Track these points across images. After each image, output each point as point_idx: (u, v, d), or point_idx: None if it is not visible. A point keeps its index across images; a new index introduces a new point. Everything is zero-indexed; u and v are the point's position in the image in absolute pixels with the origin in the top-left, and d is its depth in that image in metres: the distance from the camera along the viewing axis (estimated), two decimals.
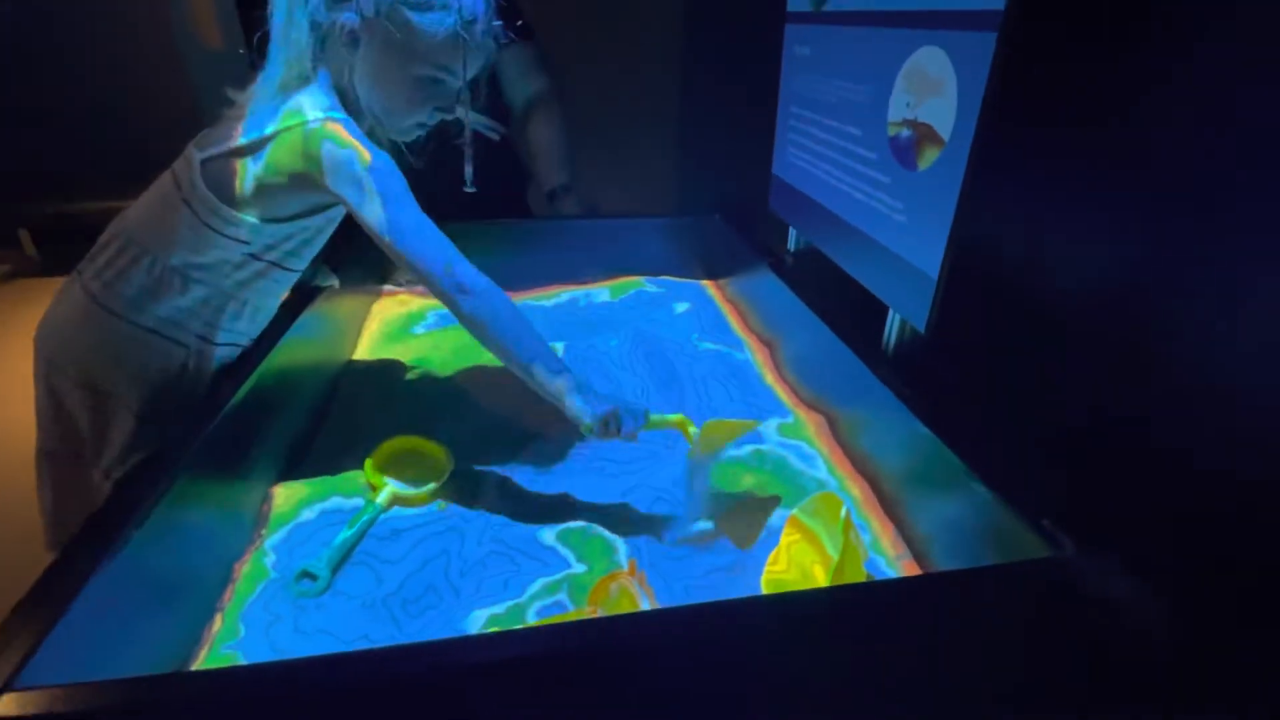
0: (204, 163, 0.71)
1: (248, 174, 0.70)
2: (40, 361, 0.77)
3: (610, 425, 0.67)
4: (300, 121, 0.68)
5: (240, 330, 0.81)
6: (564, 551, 0.71)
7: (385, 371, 1.06)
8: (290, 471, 0.81)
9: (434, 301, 1.31)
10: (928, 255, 0.68)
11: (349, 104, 0.73)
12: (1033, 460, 0.66)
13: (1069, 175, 0.70)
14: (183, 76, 2.68)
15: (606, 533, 0.72)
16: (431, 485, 0.78)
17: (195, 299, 0.75)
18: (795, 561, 0.65)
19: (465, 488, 0.80)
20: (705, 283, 1.41)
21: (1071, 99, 0.68)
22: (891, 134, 0.73)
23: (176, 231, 0.72)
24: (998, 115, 0.60)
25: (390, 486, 0.77)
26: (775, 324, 1.12)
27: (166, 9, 2.52)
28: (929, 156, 0.67)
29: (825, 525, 0.65)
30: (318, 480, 0.80)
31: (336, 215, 0.80)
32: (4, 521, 1.57)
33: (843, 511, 0.61)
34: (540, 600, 0.64)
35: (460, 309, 0.70)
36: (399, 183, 0.70)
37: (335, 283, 1.03)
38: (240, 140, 0.70)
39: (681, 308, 1.29)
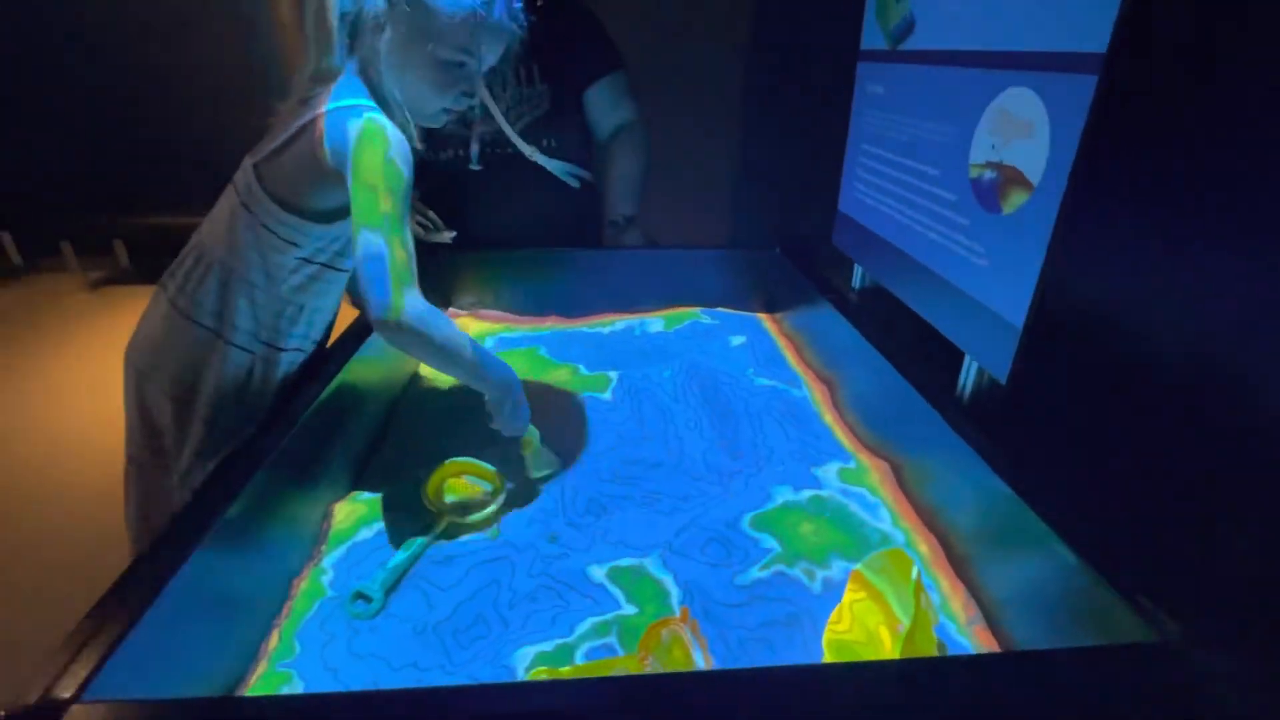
0: (255, 167, 0.74)
1: (289, 170, 0.73)
2: (130, 373, 0.81)
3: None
4: (324, 110, 0.69)
5: (300, 335, 0.84)
6: (614, 590, 0.69)
7: (445, 393, 1.07)
8: (351, 489, 0.83)
9: (496, 325, 1.34)
10: (1012, 302, 0.64)
11: (377, 94, 0.73)
12: (1124, 525, 0.61)
13: (1166, 221, 0.66)
14: (267, 94, 2.86)
15: (658, 573, 0.70)
16: (486, 510, 0.78)
17: (259, 306, 0.79)
18: (859, 621, 0.62)
19: (517, 515, 0.80)
20: (761, 316, 1.39)
21: (1171, 142, 0.64)
22: (973, 175, 0.70)
23: (240, 239, 0.75)
24: (1093, 161, 0.57)
25: (445, 510, 0.78)
26: (836, 361, 1.09)
27: (257, 39, 2.70)
28: (1015, 200, 0.64)
29: (893, 584, 0.61)
30: (376, 499, 0.81)
31: None
32: (92, 522, 1.67)
33: (914, 573, 0.58)
34: (589, 641, 0.63)
35: (388, 338, 0.69)
36: (400, 181, 0.68)
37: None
38: (281, 139, 0.72)
39: (737, 340, 1.27)
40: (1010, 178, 0.64)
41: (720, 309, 1.41)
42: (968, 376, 0.81)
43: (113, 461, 0.90)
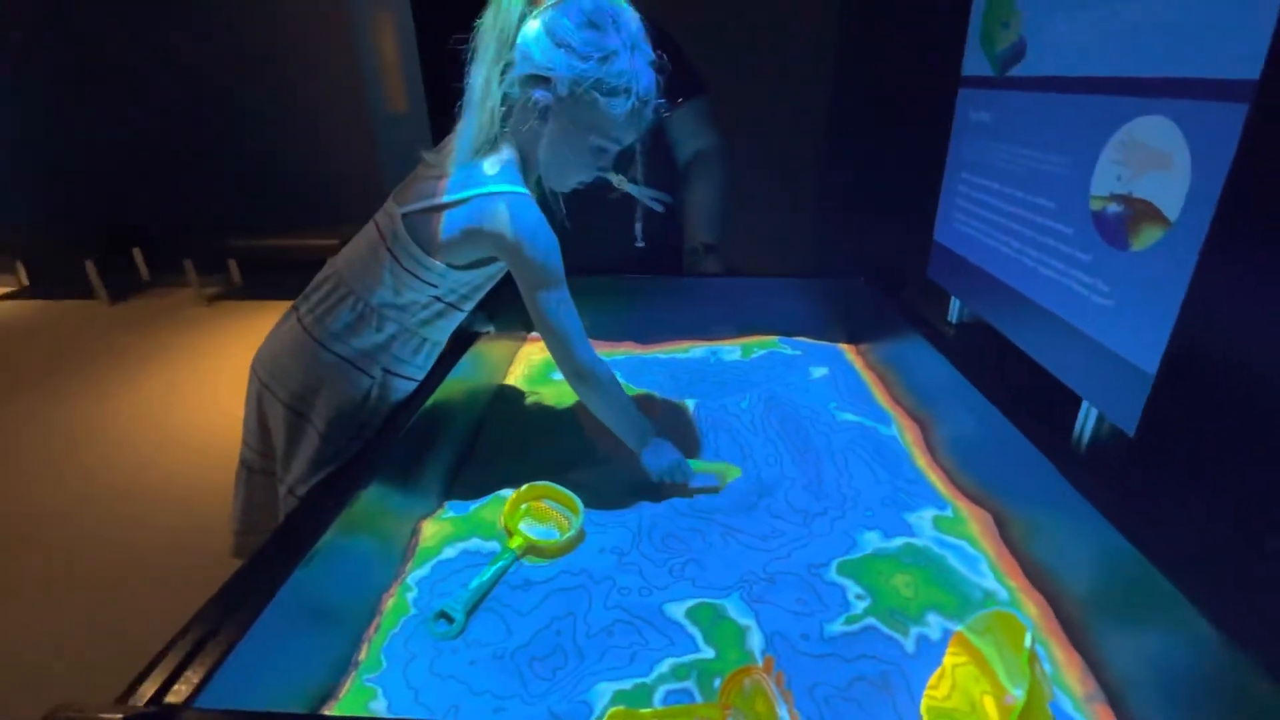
0: (405, 216, 0.79)
1: (443, 228, 0.78)
2: (254, 383, 0.88)
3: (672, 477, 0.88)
4: (488, 192, 0.76)
5: (417, 364, 0.89)
6: (692, 630, 0.67)
7: (526, 415, 1.10)
8: (438, 506, 0.85)
9: None
10: (1142, 348, 0.59)
11: (527, 164, 0.81)
12: (1266, 595, 0.54)
13: None
14: (369, 135, 3.08)
15: (739, 617, 0.68)
16: (565, 535, 0.78)
17: (387, 335, 0.84)
18: (961, 688, 0.57)
19: (594, 541, 0.80)
20: (844, 347, 1.35)
21: None
22: (1095, 208, 0.65)
23: (379, 276, 0.81)
24: (1240, 196, 0.52)
25: (524, 533, 0.78)
26: (930, 399, 1.03)
27: (361, 79, 2.92)
28: (1148, 237, 0.58)
29: (999, 649, 0.56)
30: (460, 519, 0.83)
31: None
32: (201, 520, 1.80)
33: (1028, 639, 0.53)
34: (667, 683, 0.61)
35: (574, 389, 0.86)
36: (553, 264, 0.79)
37: (490, 328, 1.09)
38: (440, 199, 0.78)
39: (819, 372, 1.23)
40: (1142, 212, 0.59)
41: (801, 338, 1.37)
42: (1085, 423, 0.74)
43: (225, 463, 0.96)
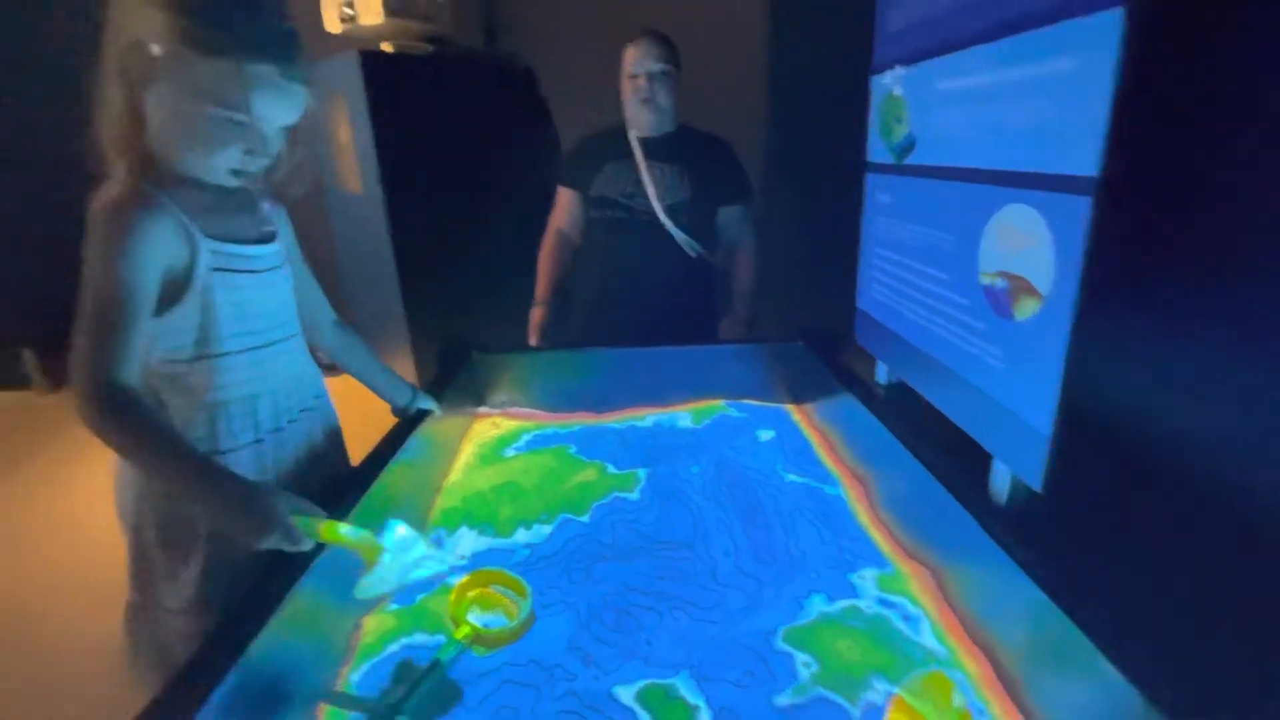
0: None
1: None
2: (122, 515, 0.80)
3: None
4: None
5: (239, 430, 0.79)
6: (642, 715, 0.67)
7: (476, 496, 1.09)
8: (381, 600, 0.83)
9: (526, 423, 1.37)
10: (1037, 410, 0.64)
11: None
12: (1174, 639, 0.57)
13: (1178, 322, 0.66)
14: (324, 219, 3.09)
15: (690, 695, 0.68)
16: (512, 622, 0.77)
17: (185, 423, 0.76)
18: None
19: (543, 626, 0.79)
20: (790, 407, 1.39)
21: (1175, 247, 0.65)
22: (984, 282, 0.72)
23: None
24: (1102, 271, 0.59)
25: (471, 623, 0.77)
26: (868, 458, 1.07)
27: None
28: (1027, 308, 0.65)
29: (936, 710, 0.58)
30: (405, 610, 0.81)
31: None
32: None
33: (956, 699, 0.55)
34: None
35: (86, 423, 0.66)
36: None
37: (436, 409, 1.10)
38: None
39: (766, 435, 1.27)
40: (1020, 286, 0.66)
41: (748, 400, 1.42)
42: (1001, 479, 0.79)
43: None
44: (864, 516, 1.00)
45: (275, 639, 0.61)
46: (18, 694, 1.51)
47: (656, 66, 1.54)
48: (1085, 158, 0.57)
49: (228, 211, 0.78)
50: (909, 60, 0.87)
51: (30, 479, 2.53)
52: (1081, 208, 0.57)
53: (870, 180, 1.02)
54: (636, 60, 1.56)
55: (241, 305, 0.78)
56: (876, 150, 1.00)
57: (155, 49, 0.65)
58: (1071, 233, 0.58)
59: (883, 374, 1.14)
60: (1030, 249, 0.64)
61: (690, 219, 1.61)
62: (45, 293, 3.51)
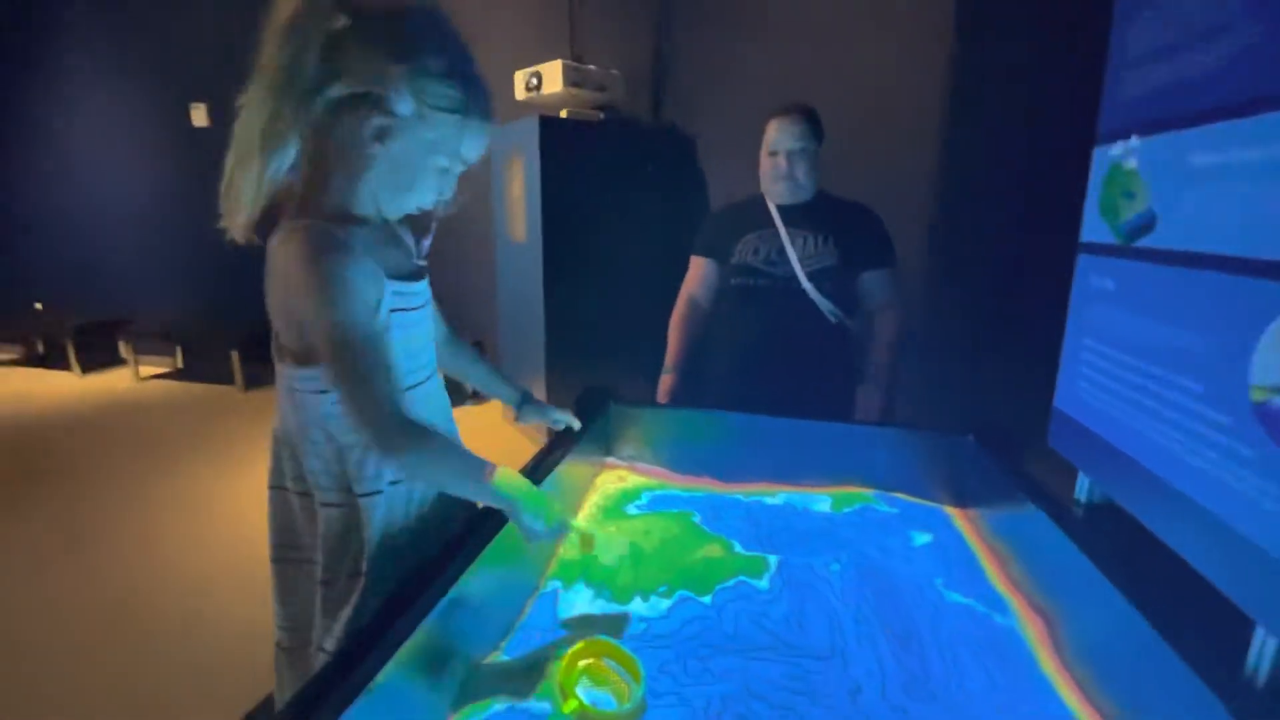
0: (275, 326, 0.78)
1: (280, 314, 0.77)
2: (284, 557, 0.85)
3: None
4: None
5: (374, 475, 0.78)
6: None
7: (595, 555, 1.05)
8: (492, 650, 0.81)
9: (651, 480, 1.32)
10: None
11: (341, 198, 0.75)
12: None
13: None
14: (492, 266, 3.37)
15: None
16: (623, 707, 0.71)
17: (328, 460, 0.78)
18: None
19: (654, 717, 0.71)
20: (951, 510, 1.22)
21: None
22: (1257, 400, 0.57)
23: (285, 406, 0.80)
24: None
25: (579, 698, 0.72)
26: (1056, 590, 0.88)
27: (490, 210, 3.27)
28: None
29: None
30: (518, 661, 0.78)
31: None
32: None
33: None
34: None
35: (386, 454, 0.70)
36: (346, 294, 0.69)
37: (575, 424, 1.12)
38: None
39: (921, 539, 1.11)
40: None
41: (900, 495, 1.26)
42: (1262, 654, 0.60)
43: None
44: (1047, 660, 0.82)
45: (390, 681, 0.60)
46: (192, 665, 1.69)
47: (796, 145, 1.55)
48: None
49: (386, 246, 0.78)
50: (1150, 129, 0.74)
51: (240, 459, 2.93)
52: None
53: (1083, 262, 0.88)
54: (776, 138, 1.57)
55: (407, 343, 0.79)
56: (1095, 229, 0.86)
57: (400, 107, 0.67)
58: None
59: (1083, 489, 0.95)
60: None
61: (834, 285, 1.58)
62: (249, 307, 4.21)
